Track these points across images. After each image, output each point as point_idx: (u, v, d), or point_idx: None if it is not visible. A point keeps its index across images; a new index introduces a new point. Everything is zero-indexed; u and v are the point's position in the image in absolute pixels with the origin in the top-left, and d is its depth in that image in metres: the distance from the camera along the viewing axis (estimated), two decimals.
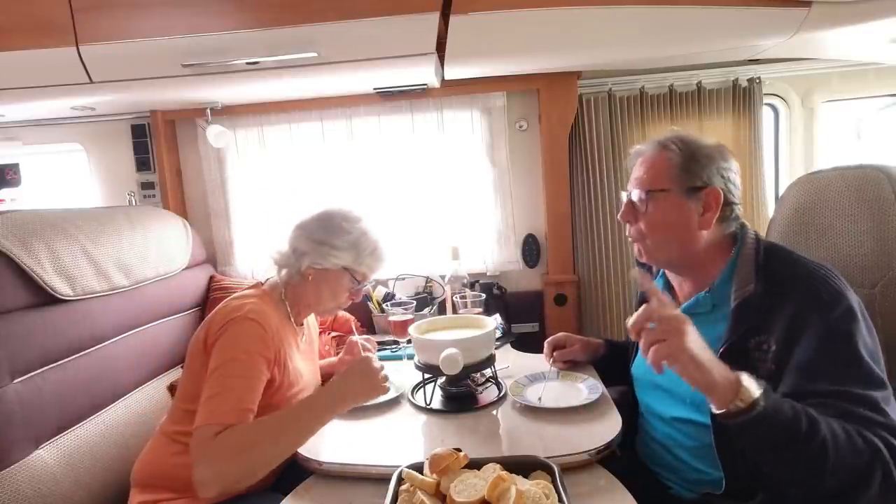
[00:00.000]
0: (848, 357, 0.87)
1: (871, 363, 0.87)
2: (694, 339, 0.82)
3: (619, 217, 1.12)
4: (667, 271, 1.17)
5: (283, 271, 1.26)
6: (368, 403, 1.21)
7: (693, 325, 0.84)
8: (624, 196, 1.12)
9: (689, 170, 1.03)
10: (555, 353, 1.38)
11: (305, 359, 1.32)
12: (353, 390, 1.10)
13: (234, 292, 1.29)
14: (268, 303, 1.21)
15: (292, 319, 1.28)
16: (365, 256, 1.26)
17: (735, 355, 0.93)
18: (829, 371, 0.86)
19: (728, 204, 1.04)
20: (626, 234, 1.12)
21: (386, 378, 1.14)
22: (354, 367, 1.12)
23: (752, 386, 0.81)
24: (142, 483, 1.15)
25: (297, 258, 1.24)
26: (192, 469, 0.94)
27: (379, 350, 1.56)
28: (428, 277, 2.03)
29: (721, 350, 0.96)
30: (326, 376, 1.48)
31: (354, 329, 1.54)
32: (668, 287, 1.19)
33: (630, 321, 0.86)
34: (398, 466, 0.90)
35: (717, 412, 0.83)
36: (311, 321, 1.42)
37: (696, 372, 0.81)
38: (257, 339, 1.09)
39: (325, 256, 1.23)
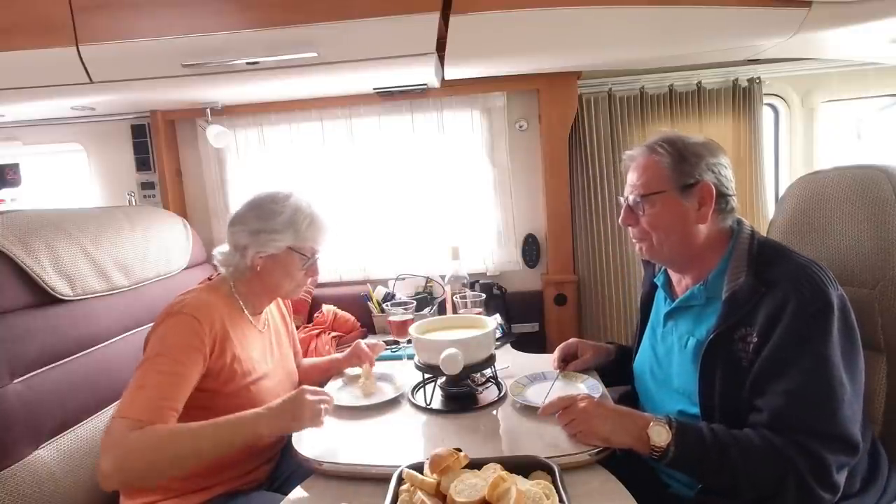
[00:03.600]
0: (807, 361, 0.92)
1: (829, 366, 0.91)
2: (600, 417, 1.01)
3: (619, 221, 1.16)
4: (668, 268, 1.21)
5: (230, 269, 1.25)
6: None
7: (604, 405, 1.06)
8: (622, 201, 1.16)
9: (679, 169, 1.07)
10: (568, 365, 1.37)
11: (268, 348, 1.31)
12: (280, 421, 1.05)
13: None
14: (215, 296, 1.20)
15: (246, 311, 1.26)
16: (304, 231, 1.24)
17: (721, 346, 1.00)
18: (783, 374, 0.93)
19: (722, 196, 1.08)
20: (631, 236, 1.17)
21: (321, 412, 1.07)
22: (287, 401, 1.06)
23: (660, 437, 0.95)
24: (128, 490, 1.15)
25: (240, 254, 1.24)
26: (100, 459, 0.93)
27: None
28: (428, 277, 2.03)
29: (709, 340, 1.01)
30: (330, 372, 1.50)
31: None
32: (668, 283, 1.21)
33: (544, 405, 1.10)
34: (398, 466, 0.90)
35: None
36: (274, 310, 1.42)
37: (605, 442, 1.00)
38: (190, 333, 1.08)
39: (266, 243, 1.21)
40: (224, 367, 1.13)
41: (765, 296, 0.97)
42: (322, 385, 1.43)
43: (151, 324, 1.55)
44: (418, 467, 0.89)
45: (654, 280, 1.26)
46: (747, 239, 1.06)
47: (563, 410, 1.06)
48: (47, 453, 1.15)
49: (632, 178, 1.13)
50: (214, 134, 1.97)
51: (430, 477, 0.85)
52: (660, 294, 1.25)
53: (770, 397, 0.93)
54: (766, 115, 2.07)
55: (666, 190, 1.07)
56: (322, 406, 1.07)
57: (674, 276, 1.20)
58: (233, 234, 1.25)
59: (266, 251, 1.22)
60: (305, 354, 1.63)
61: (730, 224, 1.10)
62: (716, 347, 1.00)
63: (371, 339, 1.53)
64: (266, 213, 1.23)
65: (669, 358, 1.16)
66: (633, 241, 1.17)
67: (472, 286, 1.82)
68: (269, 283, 1.27)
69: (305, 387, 1.09)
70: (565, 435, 1.05)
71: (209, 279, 1.30)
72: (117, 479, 0.94)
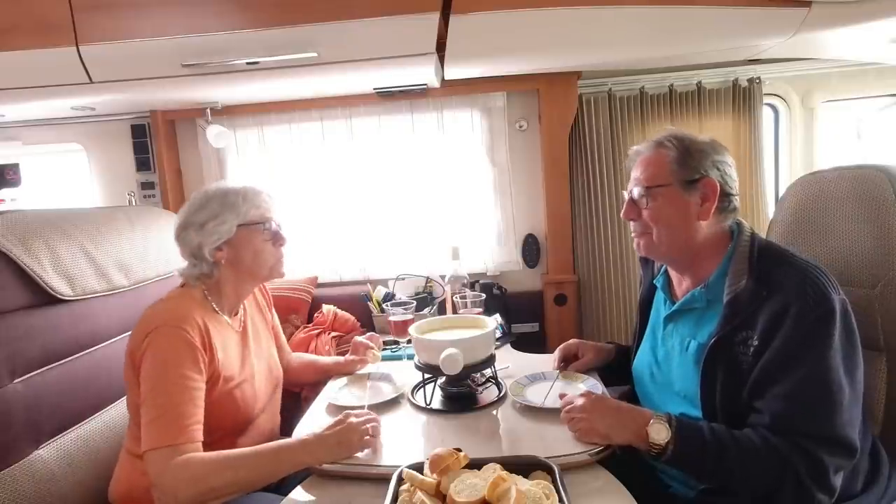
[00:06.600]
0: (807, 365, 0.91)
1: (828, 370, 0.91)
2: (600, 414, 1.02)
3: (622, 215, 1.15)
4: (668, 267, 1.20)
5: (196, 279, 1.21)
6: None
7: (605, 400, 1.07)
8: (625, 195, 1.15)
9: (685, 163, 1.07)
10: (569, 366, 1.37)
11: (246, 349, 1.27)
12: (327, 448, 1.03)
13: None
14: (191, 301, 1.17)
15: (222, 313, 1.23)
16: (243, 204, 1.20)
17: (722, 349, 1.00)
18: (783, 377, 0.92)
19: (726, 195, 1.07)
20: (631, 231, 1.17)
21: (370, 432, 1.06)
22: (334, 427, 1.06)
23: (659, 435, 0.96)
24: (120, 502, 1.15)
25: (198, 256, 1.20)
26: (152, 490, 0.95)
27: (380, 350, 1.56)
28: (428, 277, 2.03)
29: (710, 344, 1.01)
30: (331, 373, 1.49)
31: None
32: (668, 284, 1.21)
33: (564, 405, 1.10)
34: (398, 466, 0.90)
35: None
36: (251, 306, 1.37)
37: (605, 439, 1.01)
38: (183, 345, 1.06)
39: (216, 231, 1.18)
40: (213, 374, 1.12)
41: (766, 299, 0.97)
42: (322, 385, 1.43)
43: None
44: (418, 467, 0.89)
45: (654, 282, 1.25)
46: (747, 241, 1.06)
47: (566, 409, 1.07)
48: (47, 453, 1.15)
49: (636, 172, 1.13)
50: (214, 134, 1.97)
51: (430, 477, 0.85)
52: (659, 296, 1.24)
53: (770, 400, 0.93)
54: (766, 115, 2.07)
55: (670, 183, 1.07)
56: (370, 425, 1.07)
57: (674, 278, 1.20)
58: (182, 242, 1.21)
59: (220, 239, 1.18)
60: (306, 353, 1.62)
61: (730, 225, 1.10)
62: (717, 351, 1.00)
63: (362, 337, 1.53)
64: (202, 206, 1.20)
65: (670, 361, 1.15)
66: (633, 236, 1.16)
67: (472, 286, 1.82)
68: (245, 271, 1.23)
69: (350, 411, 1.10)
70: (565, 435, 1.05)
71: (181, 286, 1.25)
72: None
